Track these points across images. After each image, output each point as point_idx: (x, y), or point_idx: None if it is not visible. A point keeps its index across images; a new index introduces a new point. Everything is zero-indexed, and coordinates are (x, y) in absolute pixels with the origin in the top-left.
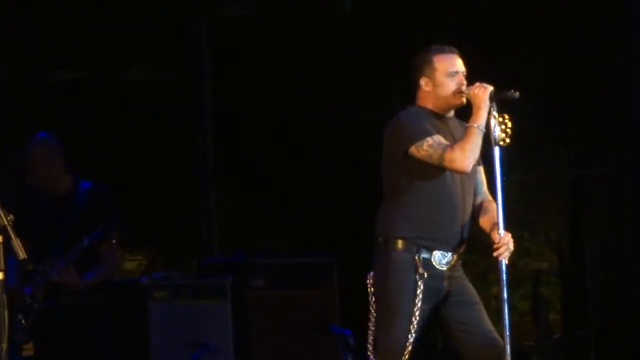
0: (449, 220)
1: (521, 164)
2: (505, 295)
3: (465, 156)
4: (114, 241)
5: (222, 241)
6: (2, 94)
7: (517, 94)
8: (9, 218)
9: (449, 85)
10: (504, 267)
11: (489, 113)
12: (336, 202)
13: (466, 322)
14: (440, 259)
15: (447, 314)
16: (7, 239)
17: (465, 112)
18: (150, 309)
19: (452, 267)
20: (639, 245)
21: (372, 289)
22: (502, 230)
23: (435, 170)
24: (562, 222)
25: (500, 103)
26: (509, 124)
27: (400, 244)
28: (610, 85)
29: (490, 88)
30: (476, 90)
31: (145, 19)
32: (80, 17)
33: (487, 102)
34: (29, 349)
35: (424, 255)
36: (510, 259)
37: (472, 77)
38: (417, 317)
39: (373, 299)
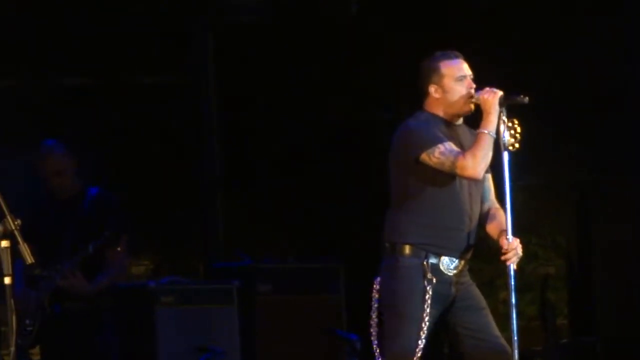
0: (457, 226)
1: (528, 169)
2: (513, 300)
3: (477, 163)
4: (119, 249)
5: (228, 246)
6: (7, 98)
7: (526, 98)
8: (16, 223)
9: (459, 90)
10: (512, 273)
11: (499, 118)
12: (344, 208)
13: (473, 327)
14: (448, 264)
15: (454, 319)
16: (14, 243)
17: (473, 118)
18: (157, 314)
19: (459, 273)
20: None
21: (377, 295)
22: (510, 236)
23: (445, 176)
24: (570, 227)
25: (509, 108)
26: (518, 129)
27: (408, 249)
28: (619, 90)
29: (500, 93)
30: (486, 95)
31: (149, 21)
32: (81, 17)
33: (497, 107)
34: (35, 354)
35: (432, 260)
36: (518, 264)
37: (478, 81)
38: (427, 323)
39: (376, 305)
